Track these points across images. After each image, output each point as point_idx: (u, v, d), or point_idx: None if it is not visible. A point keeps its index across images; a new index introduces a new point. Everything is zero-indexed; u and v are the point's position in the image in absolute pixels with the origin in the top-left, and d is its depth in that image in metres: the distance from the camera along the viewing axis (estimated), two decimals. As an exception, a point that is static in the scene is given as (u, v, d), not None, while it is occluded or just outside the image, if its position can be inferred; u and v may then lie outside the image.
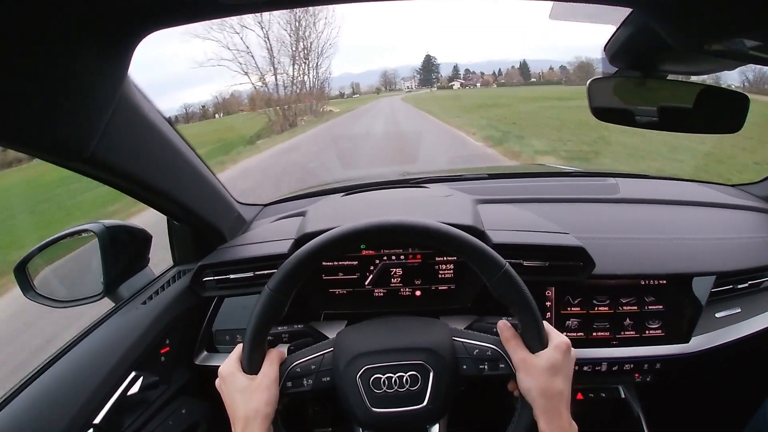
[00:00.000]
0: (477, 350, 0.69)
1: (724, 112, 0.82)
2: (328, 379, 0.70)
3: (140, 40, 0.57)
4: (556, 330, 0.69)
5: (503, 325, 0.70)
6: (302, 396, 0.71)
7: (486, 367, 0.69)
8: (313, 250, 0.68)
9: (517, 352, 0.66)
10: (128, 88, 0.64)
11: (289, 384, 0.69)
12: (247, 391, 0.66)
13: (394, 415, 0.67)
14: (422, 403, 0.67)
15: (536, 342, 0.66)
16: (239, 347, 0.70)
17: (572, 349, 0.68)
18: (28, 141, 0.53)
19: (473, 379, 0.70)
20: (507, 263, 0.67)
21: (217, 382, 0.70)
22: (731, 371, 1.11)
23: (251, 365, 0.68)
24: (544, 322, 0.68)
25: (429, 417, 0.69)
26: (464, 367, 0.69)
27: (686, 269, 1.00)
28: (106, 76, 0.57)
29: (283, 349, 0.74)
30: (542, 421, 0.63)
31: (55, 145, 0.55)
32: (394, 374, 0.68)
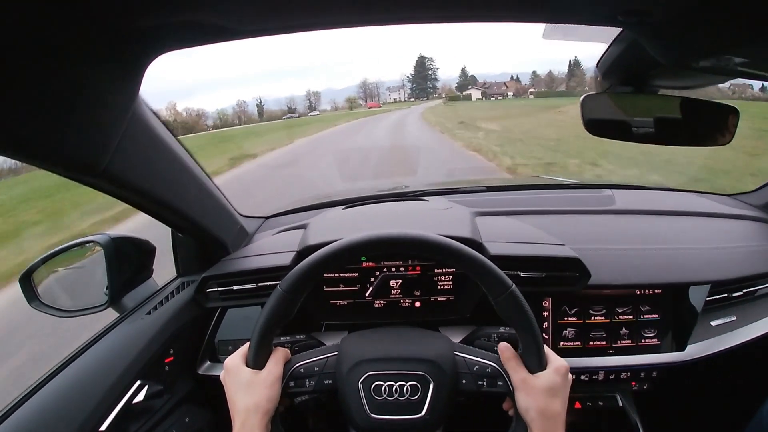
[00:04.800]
0: (477, 366, 0.71)
1: (715, 125, 0.84)
2: (330, 381, 0.72)
3: (152, 60, 0.59)
4: (554, 353, 0.71)
5: (504, 345, 0.72)
6: (303, 396, 0.72)
7: (485, 383, 0.70)
8: (329, 254, 0.70)
9: (518, 372, 0.67)
10: (139, 105, 0.66)
11: (292, 383, 0.71)
12: (250, 385, 0.68)
13: (392, 422, 0.68)
14: (421, 413, 0.68)
15: (536, 363, 0.68)
16: (246, 344, 0.72)
17: (570, 373, 0.70)
18: (45, 156, 0.55)
19: (471, 394, 0.71)
20: (514, 284, 0.68)
21: (222, 374, 0.72)
22: (727, 379, 1.12)
23: (257, 361, 0.70)
24: (545, 346, 0.69)
25: (426, 427, 0.70)
26: (463, 381, 0.71)
27: (681, 278, 1.01)
28: (120, 94, 0.59)
29: (287, 349, 0.75)
30: None
31: (70, 160, 0.58)
32: (396, 383, 0.69)
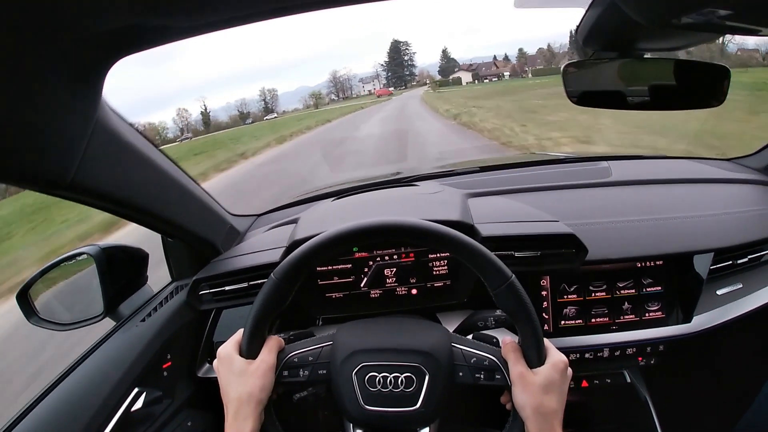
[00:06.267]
0: (475, 359, 0.69)
1: (704, 86, 0.81)
2: (325, 372, 0.71)
3: (111, 66, 0.58)
4: (554, 347, 0.69)
5: (508, 338, 0.70)
6: (298, 388, 0.71)
7: (482, 376, 0.68)
8: (322, 242, 0.69)
9: (517, 366, 0.66)
10: (104, 112, 0.65)
11: (286, 373, 0.70)
12: (243, 374, 0.67)
13: (386, 414, 0.67)
14: (415, 405, 0.67)
15: (534, 357, 0.66)
16: (240, 332, 0.72)
17: (569, 368, 0.68)
18: (5, 171, 0.54)
19: (468, 387, 0.70)
20: (513, 275, 0.66)
21: (215, 363, 0.72)
22: (736, 348, 1.10)
23: (250, 350, 0.69)
24: (545, 339, 0.68)
25: (420, 420, 0.69)
26: (460, 374, 0.69)
27: (683, 248, 0.98)
28: (79, 104, 0.58)
29: (280, 338, 0.75)
30: None
31: (34, 175, 0.56)
32: (390, 374, 0.68)
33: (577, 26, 0.77)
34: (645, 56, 0.82)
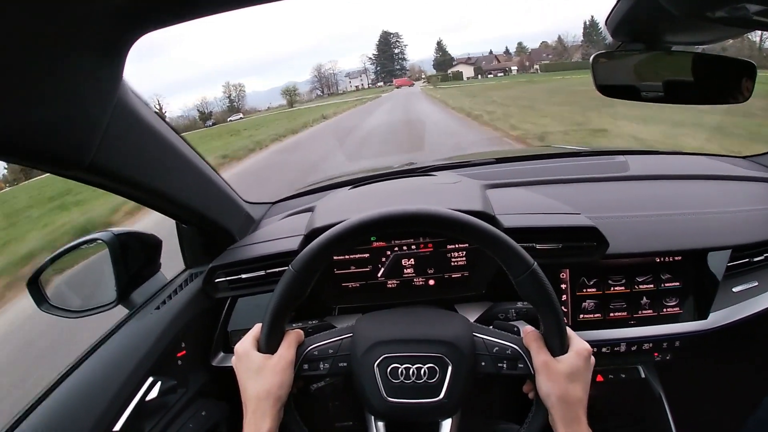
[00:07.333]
0: (497, 348, 0.69)
1: (729, 83, 0.81)
2: (345, 364, 0.70)
3: (133, 43, 0.56)
4: (577, 335, 0.69)
5: (529, 327, 0.70)
6: (318, 381, 0.70)
7: (504, 365, 0.68)
8: (342, 232, 0.68)
9: (540, 355, 0.65)
10: (124, 92, 0.63)
11: (306, 366, 0.70)
12: (261, 371, 0.66)
13: (409, 406, 0.67)
14: (438, 396, 0.67)
15: (557, 345, 0.66)
16: (257, 326, 0.71)
17: (592, 357, 0.67)
18: (25, 152, 0.53)
19: (490, 377, 0.69)
20: (535, 262, 0.66)
21: (233, 360, 0.71)
22: (752, 346, 1.10)
23: (268, 345, 0.68)
24: (567, 327, 0.67)
25: (444, 411, 0.68)
26: (483, 363, 0.69)
27: (701, 244, 0.98)
28: (101, 82, 0.57)
29: (300, 330, 0.74)
30: (561, 427, 0.63)
31: (53, 155, 0.55)
32: (413, 365, 0.67)
33: (608, 16, 0.76)
34: (672, 49, 0.82)
